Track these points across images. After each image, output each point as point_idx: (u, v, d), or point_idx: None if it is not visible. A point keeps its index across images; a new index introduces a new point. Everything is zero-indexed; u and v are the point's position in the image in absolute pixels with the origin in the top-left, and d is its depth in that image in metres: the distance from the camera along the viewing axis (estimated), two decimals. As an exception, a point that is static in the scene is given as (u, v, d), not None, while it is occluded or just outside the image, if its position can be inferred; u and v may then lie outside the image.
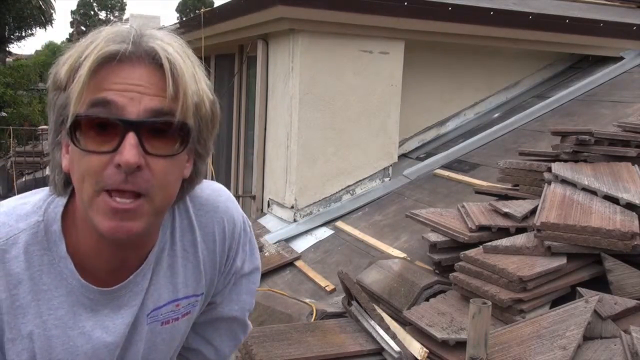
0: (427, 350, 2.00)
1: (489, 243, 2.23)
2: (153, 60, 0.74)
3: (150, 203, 0.76)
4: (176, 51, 0.75)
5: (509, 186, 2.87)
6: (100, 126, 0.73)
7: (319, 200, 3.86)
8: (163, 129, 0.74)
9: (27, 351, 0.81)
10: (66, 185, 0.82)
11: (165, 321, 0.93)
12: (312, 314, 2.48)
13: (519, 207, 2.47)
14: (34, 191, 0.88)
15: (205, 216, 0.96)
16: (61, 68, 0.75)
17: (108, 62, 0.73)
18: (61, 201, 0.84)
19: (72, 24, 37.86)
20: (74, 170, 0.76)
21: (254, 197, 4.37)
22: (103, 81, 0.73)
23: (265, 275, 3.35)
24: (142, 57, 0.74)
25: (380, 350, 2.09)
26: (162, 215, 0.83)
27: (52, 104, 0.78)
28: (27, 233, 0.81)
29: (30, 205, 0.84)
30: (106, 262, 0.84)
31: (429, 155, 4.16)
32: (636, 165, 2.51)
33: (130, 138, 0.72)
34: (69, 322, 0.83)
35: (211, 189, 0.99)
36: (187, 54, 0.77)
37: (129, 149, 0.71)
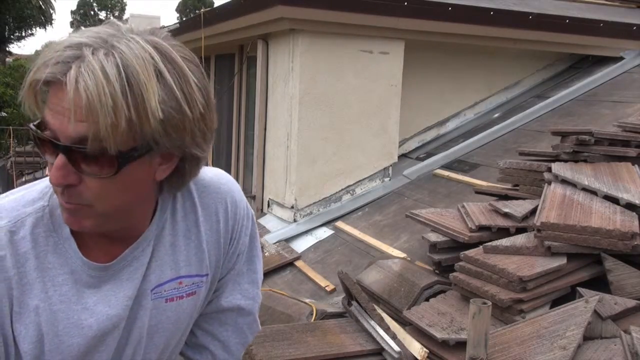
0: (427, 350, 2.00)
1: (489, 243, 2.23)
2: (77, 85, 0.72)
3: (91, 209, 0.80)
4: (105, 73, 0.71)
5: (509, 186, 2.87)
6: (44, 141, 0.76)
7: (319, 201, 3.86)
8: (93, 154, 0.74)
9: (33, 324, 0.86)
10: None
11: (169, 298, 0.97)
12: (312, 314, 2.48)
13: (519, 207, 2.47)
14: (38, 181, 0.93)
15: (207, 197, 1.00)
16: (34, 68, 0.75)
17: (45, 84, 0.73)
18: None
19: (72, 24, 37.88)
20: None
21: (254, 197, 4.37)
22: (48, 99, 0.74)
23: (265, 275, 3.35)
24: (70, 81, 0.71)
25: (380, 350, 2.09)
26: (122, 214, 0.84)
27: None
28: (34, 216, 0.86)
29: (36, 192, 0.89)
30: (106, 238, 0.89)
31: (429, 155, 4.16)
32: (636, 165, 2.51)
33: (59, 159, 0.75)
34: (72, 298, 0.88)
35: (213, 173, 1.04)
36: (132, 72, 0.73)
37: (54, 171, 0.75)
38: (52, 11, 22.29)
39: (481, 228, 2.39)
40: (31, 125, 0.76)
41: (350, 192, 3.94)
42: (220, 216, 1.01)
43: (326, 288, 2.98)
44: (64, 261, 0.87)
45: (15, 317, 0.85)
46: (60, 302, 0.87)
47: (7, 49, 21.95)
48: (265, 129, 4.20)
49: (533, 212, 2.37)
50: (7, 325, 0.84)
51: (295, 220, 3.81)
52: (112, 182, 0.78)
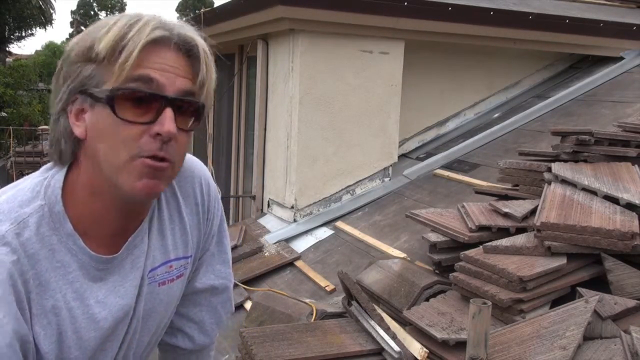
0: (427, 350, 2.00)
1: (489, 243, 2.23)
2: (186, 48, 0.85)
3: (172, 169, 0.87)
4: (204, 43, 0.88)
5: (509, 186, 2.87)
6: (139, 100, 0.82)
7: (319, 201, 3.86)
8: (187, 107, 0.86)
9: (53, 324, 0.87)
10: (73, 153, 0.89)
11: (161, 282, 1.01)
12: (312, 314, 2.48)
13: (519, 207, 2.47)
14: (19, 181, 0.93)
15: (185, 183, 1.05)
16: (97, 43, 0.82)
17: (151, 44, 0.83)
18: (57, 183, 0.89)
19: (72, 24, 37.83)
20: (103, 138, 0.84)
21: (254, 197, 4.37)
22: (143, 60, 0.82)
23: (265, 275, 3.35)
24: (179, 43, 0.85)
25: (380, 350, 2.09)
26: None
27: (72, 74, 0.85)
28: (35, 216, 0.86)
29: (28, 192, 0.89)
30: (109, 229, 0.91)
31: (429, 155, 4.16)
32: (636, 165, 2.51)
33: (169, 112, 0.83)
34: (85, 294, 0.90)
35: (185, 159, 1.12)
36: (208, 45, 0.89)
37: (169, 122, 0.82)
38: (52, 11, 22.28)
39: (481, 228, 2.39)
40: (130, 85, 0.82)
41: (350, 192, 3.94)
42: (197, 198, 1.06)
43: (326, 288, 2.98)
44: (70, 258, 0.88)
45: (35, 320, 0.85)
46: (74, 299, 0.88)
47: (7, 49, 21.94)
48: (265, 129, 4.20)
49: (533, 212, 2.36)
50: (28, 329, 0.84)
51: (295, 220, 3.81)
52: (189, 138, 0.90)
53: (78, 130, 0.86)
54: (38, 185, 0.89)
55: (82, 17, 37.89)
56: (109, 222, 0.91)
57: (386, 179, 4.01)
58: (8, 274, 0.80)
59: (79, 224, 0.88)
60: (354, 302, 2.36)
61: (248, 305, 3.04)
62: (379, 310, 2.32)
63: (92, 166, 0.87)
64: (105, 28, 0.82)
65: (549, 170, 2.60)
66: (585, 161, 2.66)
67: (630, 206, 2.18)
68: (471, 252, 2.22)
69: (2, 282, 0.80)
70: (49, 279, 0.85)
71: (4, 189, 0.92)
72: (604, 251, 2.06)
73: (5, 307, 0.79)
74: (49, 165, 0.93)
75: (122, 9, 39.73)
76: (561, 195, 2.32)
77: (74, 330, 0.88)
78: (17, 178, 11.55)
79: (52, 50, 27.63)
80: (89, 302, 0.90)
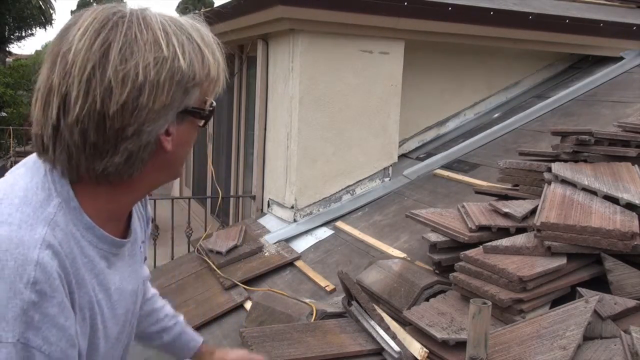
0: (427, 350, 2.00)
1: (489, 243, 2.23)
2: None
3: None
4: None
5: (509, 186, 2.87)
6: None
7: (319, 200, 3.86)
8: None
9: (87, 320, 0.87)
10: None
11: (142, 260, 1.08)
12: (312, 314, 2.48)
13: (519, 207, 2.47)
14: (6, 180, 0.89)
15: None
16: (212, 69, 0.89)
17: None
18: (58, 179, 0.86)
19: (72, 24, 37.75)
20: (185, 146, 0.92)
21: (254, 197, 4.37)
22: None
23: (265, 275, 3.35)
24: None
25: (380, 350, 2.09)
26: None
27: (185, 96, 0.87)
28: (60, 214, 0.84)
29: (40, 190, 0.85)
30: (118, 219, 0.95)
31: (429, 155, 4.16)
32: (636, 165, 2.51)
33: None
34: (107, 284, 0.91)
35: None
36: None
37: None
38: (52, 11, 22.28)
39: (481, 228, 2.39)
40: (212, 100, 0.93)
41: (350, 192, 3.94)
42: None
43: (326, 288, 2.98)
44: (93, 250, 0.88)
45: (77, 318, 0.85)
46: (100, 291, 0.90)
47: (7, 49, 21.94)
48: (265, 129, 4.20)
49: (533, 212, 2.36)
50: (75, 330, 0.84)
51: (295, 220, 3.81)
52: None
53: (169, 145, 0.88)
54: (44, 183, 0.86)
55: (82, 17, 37.77)
56: (124, 212, 0.96)
57: (386, 179, 4.01)
58: (59, 278, 0.80)
59: (96, 217, 0.88)
60: (354, 302, 2.36)
61: (248, 305, 3.04)
62: (379, 310, 2.32)
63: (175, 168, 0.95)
64: (210, 54, 0.89)
65: (549, 170, 2.60)
66: (585, 161, 2.66)
67: (630, 206, 2.18)
68: (471, 252, 2.22)
69: (58, 288, 0.79)
70: (83, 276, 0.86)
71: None
72: (604, 251, 2.06)
73: (67, 312, 0.81)
74: (28, 162, 0.91)
75: (122, 9, 39.58)
76: (561, 195, 2.32)
77: (102, 321, 0.90)
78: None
79: (52, 50, 27.46)
80: (110, 292, 0.91)
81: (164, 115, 0.84)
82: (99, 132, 0.81)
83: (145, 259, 1.13)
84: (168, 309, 1.32)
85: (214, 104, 0.93)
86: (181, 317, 1.34)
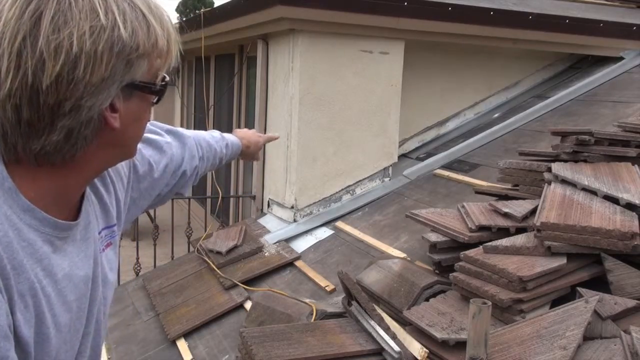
0: (427, 350, 2.00)
1: (489, 243, 2.23)
2: None
3: None
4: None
5: (509, 186, 2.87)
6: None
7: (319, 200, 3.86)
8: None
9: (30, 307, 0.81)
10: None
11: (102, 248, 1.00)
12: (312, 314, 2.48)
13: (519, 207, 2.47)
14: None
15: None
16: (160, 40, 0.84)
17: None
18: None
19: (72, 24, 37.74)
20: (138, 123, 0.89)
21: (254, 197, 4.37)
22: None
23: (265, 275, 3.35)
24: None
25: (380, 350, 2.09)
26: None
27: (128, 68, 0.81)
28: None
29: None
30: (67, 202, 0.89)
31: (429, 155, 4.16)
32: (636, 165, 2.51)
33: None
34: (53, 270, 0.85)
35: None
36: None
37: None
38: None
39: (481, 228, 2.39)
40: (165, 74, 0.88)
41: (350, 192, 3.94)
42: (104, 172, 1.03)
43: (326, 288, 2.98)
44: (34, 234, 0.83)
45: (15, 307, 0.80)
46: (45, 277, 0.83)
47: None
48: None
49: (533, 212, 2.36)
50: (10, 321, 0.78)
51: (295, 220, 3.81)
52: None
53: (115, 122, 0.83)
54: None
55: (82, 17, 37.76)
56: (73, 194, 0.90)
57: (386, 179, 4.01)
58: None
59: (38, 200, 0.83)
60: (354, 302, 2.36)
61: (248, 305, 3.04)
62: (379, 310, 2.32)
63: (128, 143, 0.91)
64: (157, 23, 0.83)
65: (549, 170, 2.60)
66: (585, 161, 2.66)
67: (630, 206, 2.18)
68: (471, 252, 2.22)
69: None
70: (22, 261, 0.80)
71: None
72: (604, 251, 2.06)
73: None
74: None
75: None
76: (561, 195, 2.32)
77: (49, 309, 0.84)
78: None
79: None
80: (57, 277, 0.85)
81: (105, 89, 0.78)
82: (33, 108, 0.76)
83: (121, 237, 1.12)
84: (210, 136, 1.44)
85: (167, 78, 0.88)
86: (217, 133, 1.50)
